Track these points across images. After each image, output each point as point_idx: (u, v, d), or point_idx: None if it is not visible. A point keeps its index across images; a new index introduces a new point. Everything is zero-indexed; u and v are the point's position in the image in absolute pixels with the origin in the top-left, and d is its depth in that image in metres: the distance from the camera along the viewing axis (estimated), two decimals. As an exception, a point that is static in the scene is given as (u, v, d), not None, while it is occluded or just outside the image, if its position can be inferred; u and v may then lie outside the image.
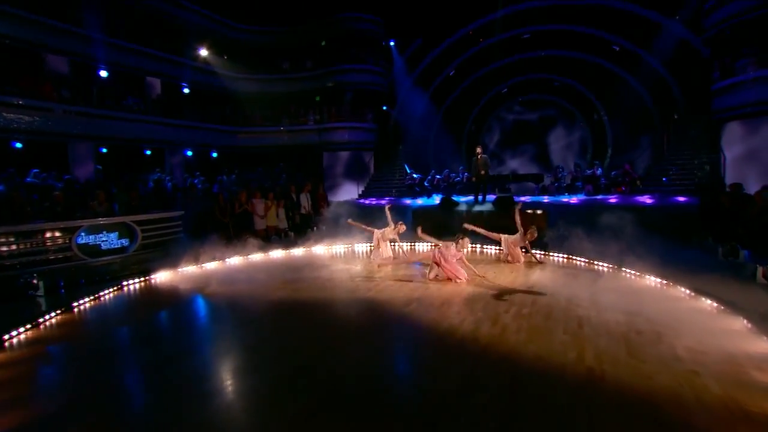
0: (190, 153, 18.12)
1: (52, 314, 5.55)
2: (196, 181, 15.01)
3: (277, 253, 9.67)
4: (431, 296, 5.90)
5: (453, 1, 20.22)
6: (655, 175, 14.78)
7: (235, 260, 8.91)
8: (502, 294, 5.90)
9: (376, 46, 21.50)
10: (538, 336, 4.35)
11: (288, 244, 10.85)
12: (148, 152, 16.80)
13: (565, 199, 13.70)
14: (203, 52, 18.25)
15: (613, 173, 14.41)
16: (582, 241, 8.20)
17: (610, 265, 7.19)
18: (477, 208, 11.71)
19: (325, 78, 20.58)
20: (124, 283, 7.08)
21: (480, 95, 23.48)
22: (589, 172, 15.11)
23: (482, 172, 12.42)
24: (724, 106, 13.36)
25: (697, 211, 9.43)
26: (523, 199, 13.62)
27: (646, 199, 11.79)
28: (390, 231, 8.54)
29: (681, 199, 11.61)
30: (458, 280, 6.55)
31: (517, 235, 8.05)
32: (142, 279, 7.38)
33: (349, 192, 19.55)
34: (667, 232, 8.98)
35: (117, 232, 8.74)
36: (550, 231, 8.97)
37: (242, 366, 3.89)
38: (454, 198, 12.69)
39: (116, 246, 8.71)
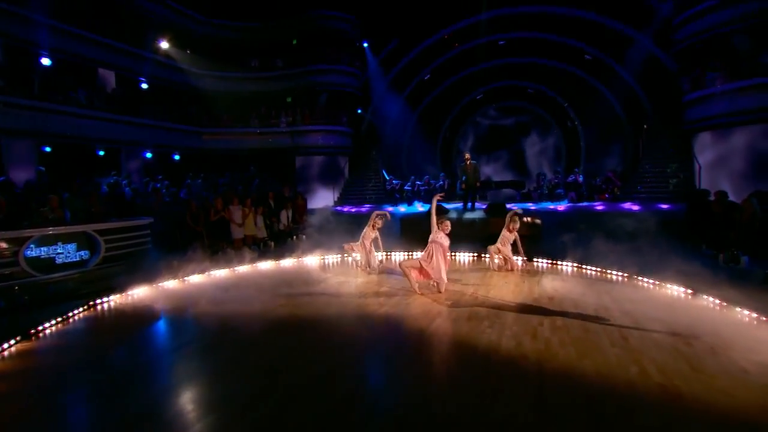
0: (149, 155, 16.89)
1: (5, 345, 4.72)
2: (159, 185, 13.94)
3: (264, 265, 9.04)
4: (452, 310, 5.62)
5: (429, 5, 20.43)
6: (633, 182, 15.51)
7: (218, 273, 8.21)
8: (526, 306, 5.73)
9: (351, 47, 21.26)
10: (587, 350, 4.18)
11: (270, 254, 10.22)
12: (101, 153, 15.46)
13: (551, 206, 14.02)
14: (165, 45, 17.17)
15: (597, 180, 14.94)
16: (586, 249, 8.30)
17: (621, 273, 7.26)
18: (468, 215, 11.65)
19: (298, 78, 20.04)
20: (93, 302, 6.24)
21: (455, 100, 23.85)
22: (571, 179, 15.59)
23: (472, 179, 12.43)
24: (695, 117, 14.28)
25: (686, 218, 9.87)
26: (509, 206, 13.78)
27: (632, 206, 12.27)
28: (369, 231, 8.17)
29: (664, 206, 12.18)
30: (438, 283, 6.37)
31: (502, 236, 7.92)
32: (113, 297, 6.55)
33: (324, 198, 19.02)
34: (661, 239, 9.29)
35: (75, 244, 7.79)
36: (566, 236, 9.03)
37: (267, 409, 3.34)
38: (444, 205, 12.57)
39: (75, 259, 7.76)
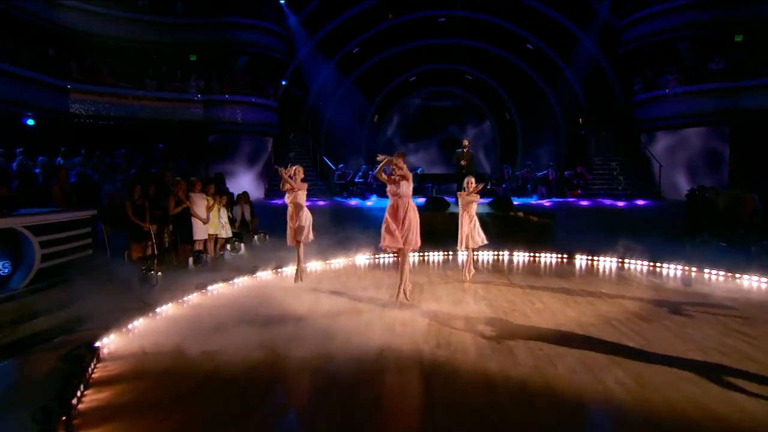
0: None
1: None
2: (59, 161, 10.52)
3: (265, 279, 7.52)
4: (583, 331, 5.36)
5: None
6: (593, 180, 17.45)
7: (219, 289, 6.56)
8: (673, 308, 5.75)
9: (274, 2, 19.40)
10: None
11: (244, 262, 8.62)
12: None
13: (533, 201, 14.94)
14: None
15: (566, 173, 16.41)
16: (631, 245, 8.92)
17: (684, 268, 7.92)
18: (478, 210, 11.60)
19: (206, 31, 17.40)
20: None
21: (385, 81, 23.77)
22: (541, 173, 16.85)
23: (468, 168, 12.45)
24: (647, 117, 16.81)
25: (687, 213, 11.53)
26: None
27: (617, 203, 13.85)
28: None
29: (640, 202, 14.07)
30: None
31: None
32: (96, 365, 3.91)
33: (247, 188, 16.87)
34: (676, 233, 10.66)
35: (-13, 250, 5.28)
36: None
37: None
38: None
39: (-12, 276, 5.25)
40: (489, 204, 11.96)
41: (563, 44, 20.25)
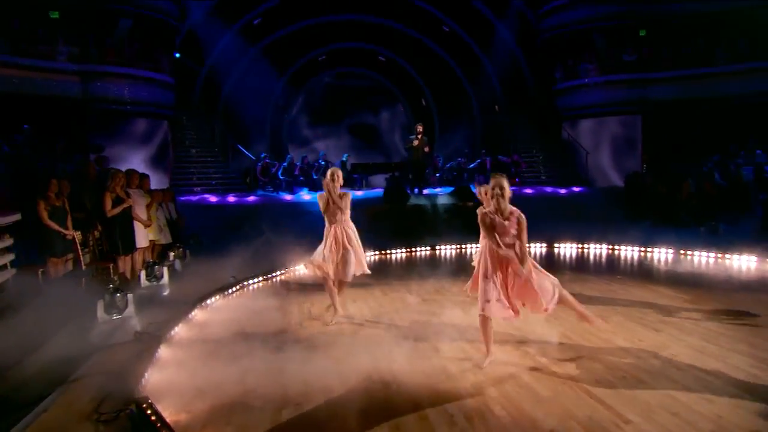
0: None
1: None
2: None
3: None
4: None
5: None
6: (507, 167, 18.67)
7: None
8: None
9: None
10: None
11: (203, 272, 7.65)
12: None
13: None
14: None
15: (501, 158, 17.37)
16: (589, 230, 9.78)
17: (666, 251, 8.92)
18: (441, 201, 11.73)
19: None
20: None
21: (292, 58, 22.88)
22: (476, 163, 17.64)
23: (423, 156, 12.55)
24: (570, 105, 18.57)
25: (627, 197, 13.05)
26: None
27: (560, 190, 15.10)
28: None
29: (576, 189, 15.55)
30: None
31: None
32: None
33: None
34: (626, 217, 12.00)
35: None
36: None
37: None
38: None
39: None
40: (448, 194, 12.17)
41: (480, 30, 21.35)
